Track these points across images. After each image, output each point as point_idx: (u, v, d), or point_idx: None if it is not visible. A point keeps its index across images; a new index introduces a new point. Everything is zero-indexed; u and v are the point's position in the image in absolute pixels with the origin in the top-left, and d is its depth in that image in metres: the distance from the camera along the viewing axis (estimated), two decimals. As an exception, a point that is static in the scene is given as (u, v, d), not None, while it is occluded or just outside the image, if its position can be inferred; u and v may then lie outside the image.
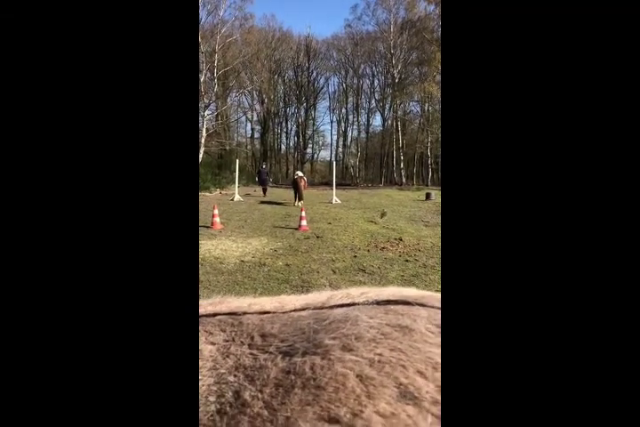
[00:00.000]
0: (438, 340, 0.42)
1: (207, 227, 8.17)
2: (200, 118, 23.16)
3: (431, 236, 7.63)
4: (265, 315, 0.50)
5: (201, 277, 4.66)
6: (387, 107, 36.08)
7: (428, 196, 16.02)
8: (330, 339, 0.42)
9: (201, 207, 9.94)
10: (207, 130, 24.49)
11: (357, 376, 0.37)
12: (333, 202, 13.99)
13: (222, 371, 0.40)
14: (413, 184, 29.31)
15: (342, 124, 40.81)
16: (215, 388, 0.39)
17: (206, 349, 0.44)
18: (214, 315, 0.50)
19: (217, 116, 27.58)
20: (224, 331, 0.47)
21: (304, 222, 8.33)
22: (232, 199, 14.62)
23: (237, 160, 17.99)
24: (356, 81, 38.80)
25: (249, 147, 38.66)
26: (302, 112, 39.48)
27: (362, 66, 37.64)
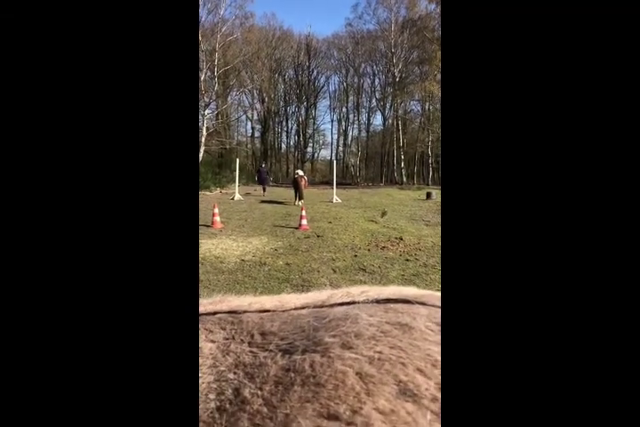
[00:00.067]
0: (438, 338, 0.42)
1: (207, 226, 8.18)
2: (200, 117, 23.16)
3: (432, 235, 7.63)
4: (265, 313, 0.50)
5: (201, 277, 4.67)
6: (387, 106, 36.09)
7: (428, 195, 16.02)
8: (330, 337, 0.42)
9: (201, 206, 9.94)
10: (207, 129, 24.50)
11: (357, 374, 0.37)
12: (334, 201, 14.00)
13: (222, 369, 0.41)
14: (414, 183, 29.30)
15: (343, 123, 40.84)
16: (215, 385, 0.39)
17: (206, 347, 0.44)
18: (214, 313, 0.50)
19: (217, 115, 27.60)
20: (224, 329, 0.47)
21: (304, 222, 8.34)
22: (232, 198, 14.63)
23: (238, 159, 18.02)
24: (356, 80, 38.82)
25: (249, 146, 38.66)
26: (303, 111, 39.49)
27: (362, 65, 37.64)
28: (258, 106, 37.48)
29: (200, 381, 0.40)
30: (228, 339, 0.45)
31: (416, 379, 0.37)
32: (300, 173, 13.98)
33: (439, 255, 5.82)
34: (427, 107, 31.67)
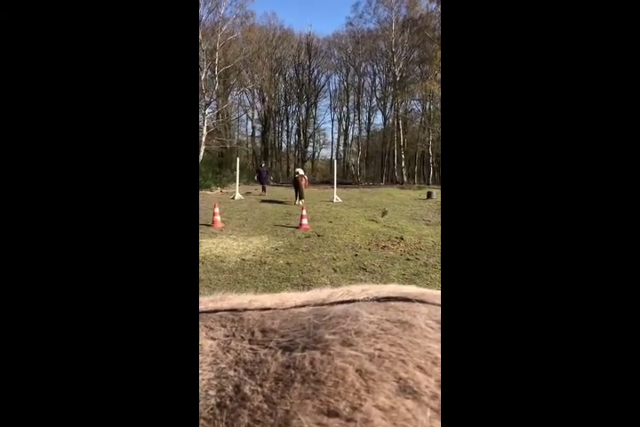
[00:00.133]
0: (438, 335, 0.42)
1: (208, 225, 8.18)
2: (200, 116, 23.16)
3: (432, 235, 7.63)
4: (265, 311, 0.50)
5: (202, 276, 4.67)
6: (388, 105, 36.07)
7: (429, 194, 16.00)
8: (330, 334, 0.42)
9: (201, 206, 9.95)
10: (208, 128, 24.50)
11: (357, 371, 0.37)
12: (334, 201, 13.99)
13: (222, 365, 0.41)
14: (415, 183, 29.29)
15: (343, 122, 40.82)
16: (215, 382, 0.39)
17: (207, 344, 0.44)
18: (215, 311, 0.51)
19: (217, 114, 27.59)
20: (224, 326, 0.47)
21: (305, 221, 8.34)
22: (233, 198, 14.63)
23: (238, 159, 17.99)
24: (357, 79, 38.79)
25: (250, 145, 38.65)
26: (303, 110, 39.47)
27: (363, 64, 37.61)
28: (258, 105, 37.51)
29: (200, 377, 0.40)
30: (228, 336, 0.45)
31: (416, 376, 0.37)
32: (301, 172, 13.97)
33: (440, 255, 5.82)
34: (427, 106, 31.64)
